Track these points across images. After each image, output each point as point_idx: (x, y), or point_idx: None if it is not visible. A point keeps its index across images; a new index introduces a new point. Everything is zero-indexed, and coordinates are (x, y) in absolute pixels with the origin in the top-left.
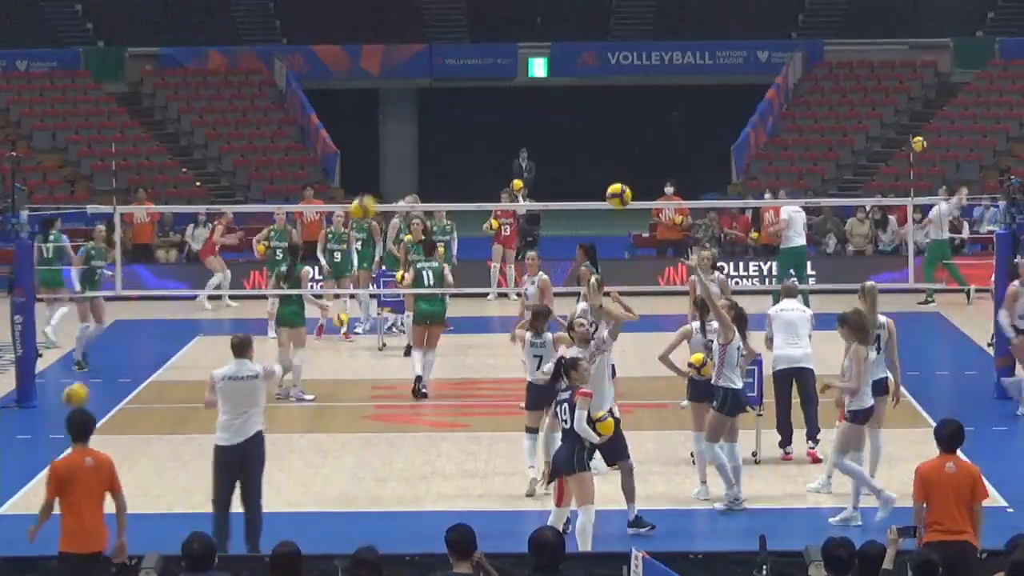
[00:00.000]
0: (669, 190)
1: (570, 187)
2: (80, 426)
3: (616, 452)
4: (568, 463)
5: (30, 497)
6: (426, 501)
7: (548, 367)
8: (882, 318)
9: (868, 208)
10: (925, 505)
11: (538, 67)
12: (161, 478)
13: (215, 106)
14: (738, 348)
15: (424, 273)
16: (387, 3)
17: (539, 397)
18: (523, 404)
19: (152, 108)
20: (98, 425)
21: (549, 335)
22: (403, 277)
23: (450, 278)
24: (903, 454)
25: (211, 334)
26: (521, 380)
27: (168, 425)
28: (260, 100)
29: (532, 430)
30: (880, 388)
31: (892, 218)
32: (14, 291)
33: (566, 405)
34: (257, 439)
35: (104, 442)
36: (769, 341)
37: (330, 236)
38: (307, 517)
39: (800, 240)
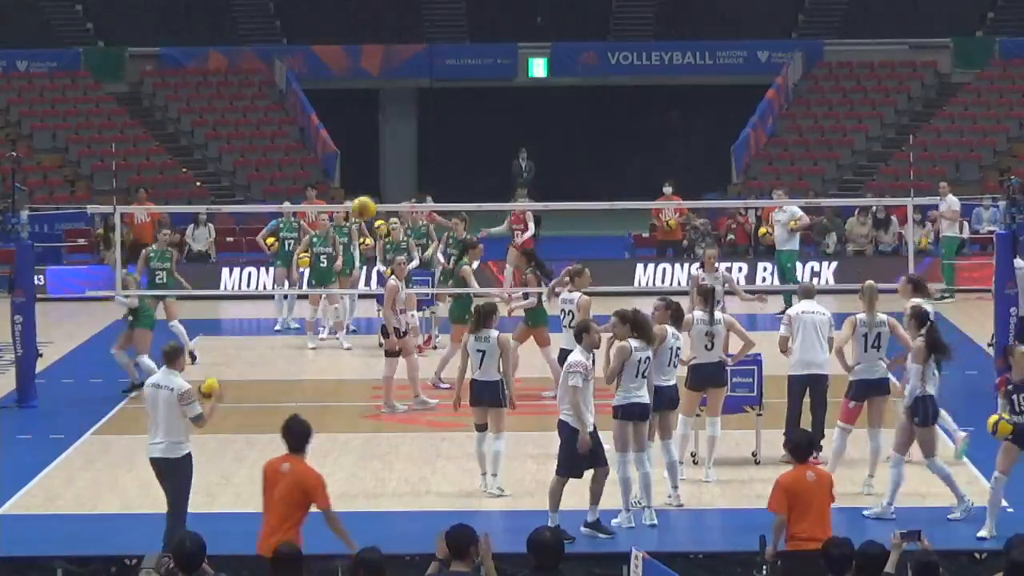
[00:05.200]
0: (668, 190)
1: (570, 187)
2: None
3: (594, 458)
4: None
5: (30, 497)
6: (426, 501)
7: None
8: (882, 316)
9: (873, 208)
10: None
11: (538, 67)
12: None
13: (215, 106)
14: (673, 349)
15: None
16: (387, 3)
17: (480, 394)
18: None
19: (152, 108)
20: (98, 425)
21: (494, 333)
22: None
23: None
24: None
25: (211, 334)
26: (521, 380)
27: None
28: (260, 100)
29: (481, 427)
30: (880, 388)
31: (895, 218)
32: (14, 291)
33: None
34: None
35: (104, 442)
36: (784, 341)
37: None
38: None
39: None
